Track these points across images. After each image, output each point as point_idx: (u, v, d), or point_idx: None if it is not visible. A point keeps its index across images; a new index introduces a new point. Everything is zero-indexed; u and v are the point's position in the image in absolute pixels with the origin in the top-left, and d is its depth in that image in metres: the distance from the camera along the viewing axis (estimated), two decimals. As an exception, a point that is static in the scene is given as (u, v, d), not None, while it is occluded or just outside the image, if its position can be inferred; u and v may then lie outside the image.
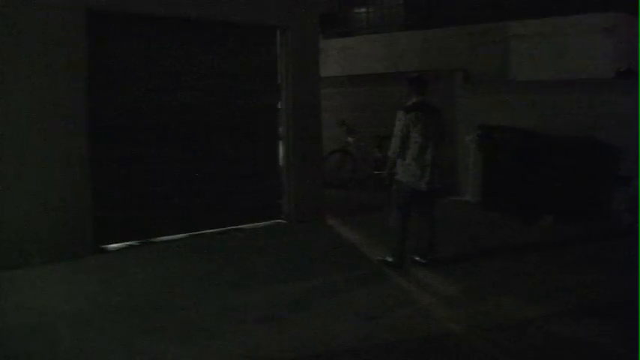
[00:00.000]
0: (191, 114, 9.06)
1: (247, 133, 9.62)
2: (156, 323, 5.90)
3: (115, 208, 8.41)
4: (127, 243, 8.54)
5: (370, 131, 13.20)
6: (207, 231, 9.25)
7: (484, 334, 5.70)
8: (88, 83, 7.97)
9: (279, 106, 9.92)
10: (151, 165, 8.73)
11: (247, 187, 9.65)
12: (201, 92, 9.13)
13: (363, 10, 16.52)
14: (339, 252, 8.50)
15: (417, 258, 7.79)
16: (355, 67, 14.73)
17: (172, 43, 8.83)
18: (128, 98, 8.49)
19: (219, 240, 9.02)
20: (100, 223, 8.20)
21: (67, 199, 7.85)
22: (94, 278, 7.23)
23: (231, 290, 6.85)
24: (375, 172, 12.88)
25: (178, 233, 9.01)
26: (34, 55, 7.56)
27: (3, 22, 7.36)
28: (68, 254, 7.80)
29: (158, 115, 8.74)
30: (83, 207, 7.99)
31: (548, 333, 5.71)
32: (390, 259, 7.69)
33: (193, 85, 9.04)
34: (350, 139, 13.57)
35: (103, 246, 8.32)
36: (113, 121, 8.37)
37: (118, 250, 8.40)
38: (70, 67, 7.80)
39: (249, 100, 9.60)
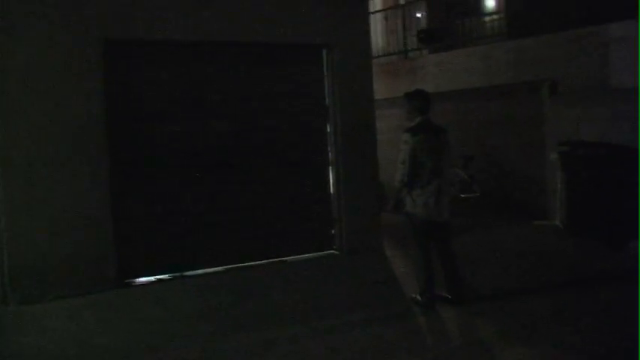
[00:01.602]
0: (229, 140, 8.65)
1: (293, 159, 9.07)
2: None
3: (143, 241, 8.16)
4: (157, 277, 8.23)
5: (455, 151, 12.25)
6: (249, 263, 8.76)
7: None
8: (109, 110, 7.82)
9: (327, 129, 9.30)
10: (183, 196, 8.40)
11: (294, 216, 9.09)
12: (239, 117, 8.70)
13: (459, 21, 15.53)
14: (377, 288, 7.71)
15: (448, 296, 6.90)
16: (449, 83, 13.79)
17: (203, 67, 8.49)
18: (155, 126, 8.22)
19: (258, 274, 8.49)
20: (125, 257, 7.99)
21: (87, 232, 7.68)
22: (101, 316, 6.96)
23: (234, 332, 6.26)
24: (461, 196, 11.96)
25: (217, 266, 8.59)
26: (53, 84, 7.50)
27: (22, 51, 7.36)
28: (89, 288, 7.61)
29: (190, 141, 8.41)
30: (104, 240, 7.79)
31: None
32: (419, 298, 6.85)
33: (229, 109, 8.64)
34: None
35: (129, 280, 8.06)
36: (138, 150, 8.16)
37: (145, 284, 8.11)
38: (89, 95, 7.68)
39: (293, 124, 9.06)
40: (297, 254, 9.09)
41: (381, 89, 14.60)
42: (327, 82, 9.26)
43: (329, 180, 9.36)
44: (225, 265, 8.65)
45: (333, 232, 9.38)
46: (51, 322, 6.80)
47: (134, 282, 8.10)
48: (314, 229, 9.28)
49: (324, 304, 7.11)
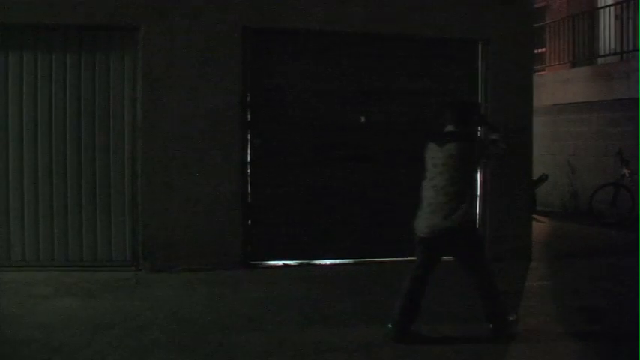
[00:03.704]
0: (368, 134, 8.60)
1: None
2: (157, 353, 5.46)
3: (273, 226, 8.41)
4: (284, 262, 8.44)
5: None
6: (381, 259, 8.64)
7: None
8: (246, 97, 8.19)
9: (478, 129, 8.81)
10: (316, 185, 8.50)
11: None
12: (381, 112, 8.62)
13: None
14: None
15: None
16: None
17: (344, 59, 8.53)
18: (290, 114, 8.42)
19: (385, 270, 8.31)
20: (254, 240, 8.33)
21: (217, 213, 8.08)
22: (209, 292, 7.22)
23: (311, 326, 6.11)
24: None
25: (347, 258, 8.61)
26: (193, 69, 7.98)
27: (166, 37, 7.91)
28: (216, 265, 7.98)
29: (326, 133, 8.50)
30: (233, 222, 8.14)
31: None
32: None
33: (369, 104, 8.60)
34: (625, 172, 11.49)
35: (257, 262, 8.35)
36: (273, 137, 8.40)
37: (269, 268, 8.36)
38: (227, 81, 8.07)
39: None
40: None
41: (585, 92, 13.55)
42: (480, 79, 8.80)
43: (474, 182, 8.87)
44: (356, 257, 8.61)
45: (475, 236, 8.89)
46: (163, 291, 7.23)
47: (260, 264, 8.36)
48: (456, 231, 8.86)
49: (427, 310, 6.70)
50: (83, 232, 7.98)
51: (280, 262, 8.42)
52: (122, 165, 8.01)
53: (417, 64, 8.69)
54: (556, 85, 14.84)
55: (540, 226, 11.64)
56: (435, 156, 5.69)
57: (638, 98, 11.56)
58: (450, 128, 5.80)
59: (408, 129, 8.65)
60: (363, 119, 8.55)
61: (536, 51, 17.46)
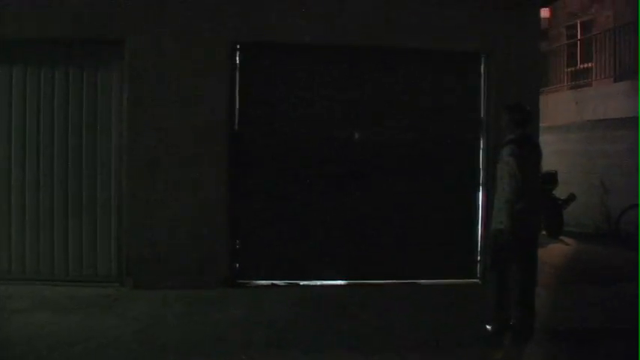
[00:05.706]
0: (363, 150, 8.31)
1: (437, 176, 8.37)
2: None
3: (262, 245, 8.20)
4: (272, 282, 8.19)
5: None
6: (377, 281, 8.32)
7: None
8: (233, 112, 8.03)
9: (481, 146, 8.43)
10: (308, 203, 8.23)
11: (434, 237, 8.38)
12: (379, 128, 8.31)
13: None
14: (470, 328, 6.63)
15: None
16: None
17: (337, 72, 8.26)
18: (280, 129, 8.18)
19: (380, 292, 8.01)
20: (242, 258, 8.15)
21: (203, 230, 7.92)
22: (187, 311, 7.08)
23: (267, 350, 5.90)
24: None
25: (340, 279, 8.30)
26: (180, 85, 7.86)
27: (151, 52, 7.83)
28: (202, 284, 7.80)
29: (318, 148, 8.23)
30: (220, 239, 7.98)
31: None
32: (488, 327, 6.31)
33: (364, 119, 8.30)
34: (656, 192, 10.88)
35: (244, 281, 8.13)
36: (262, 153, 8.18)
37: (256, 287, 8.13)
38: (214, 97, 7.92)
39: (439, 138, 8.38)
40: (435, 278, 8.38)
41: (624, 107, 12.92)
42: (483, 94, 8.40)
43: (478, 202, 8.46)
44: (350, 279, 8.31)
45: (478, 259, 8.48)
46: (139, 308, 7.09)
47: (248, 283, 8.14)
48: (457, 254, 8.47)
49: (409, 335, 6.40)
50: (69, 247, 7.93)
51: (269, 282, 8.17)
52: (109, 180, 7.94)
53: (413, 77, 8.37)
54: (597, 101, 14.24)
55: (561, 248, 11.08)
56: (529, 161, 6.16)
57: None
58: (518, 132, 6.26)
59: (403, 145, 8.36)
60: (357, 135, 8.27)
61: (582, 66, 16.93)
